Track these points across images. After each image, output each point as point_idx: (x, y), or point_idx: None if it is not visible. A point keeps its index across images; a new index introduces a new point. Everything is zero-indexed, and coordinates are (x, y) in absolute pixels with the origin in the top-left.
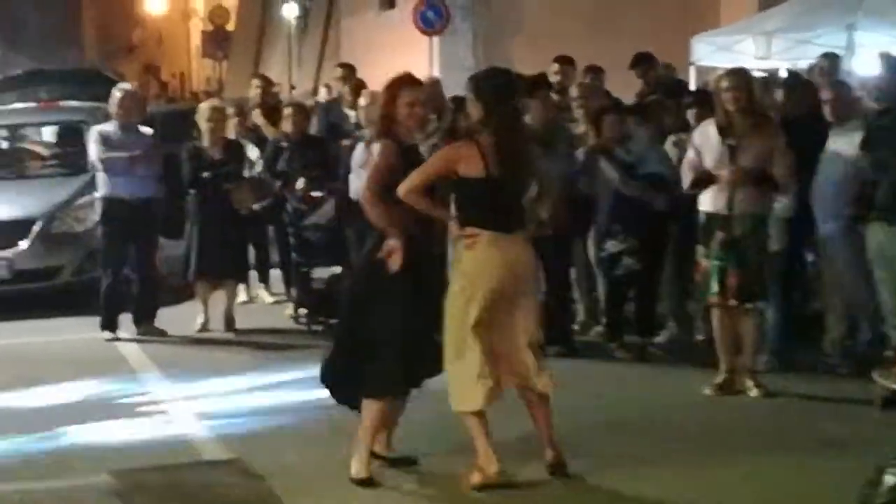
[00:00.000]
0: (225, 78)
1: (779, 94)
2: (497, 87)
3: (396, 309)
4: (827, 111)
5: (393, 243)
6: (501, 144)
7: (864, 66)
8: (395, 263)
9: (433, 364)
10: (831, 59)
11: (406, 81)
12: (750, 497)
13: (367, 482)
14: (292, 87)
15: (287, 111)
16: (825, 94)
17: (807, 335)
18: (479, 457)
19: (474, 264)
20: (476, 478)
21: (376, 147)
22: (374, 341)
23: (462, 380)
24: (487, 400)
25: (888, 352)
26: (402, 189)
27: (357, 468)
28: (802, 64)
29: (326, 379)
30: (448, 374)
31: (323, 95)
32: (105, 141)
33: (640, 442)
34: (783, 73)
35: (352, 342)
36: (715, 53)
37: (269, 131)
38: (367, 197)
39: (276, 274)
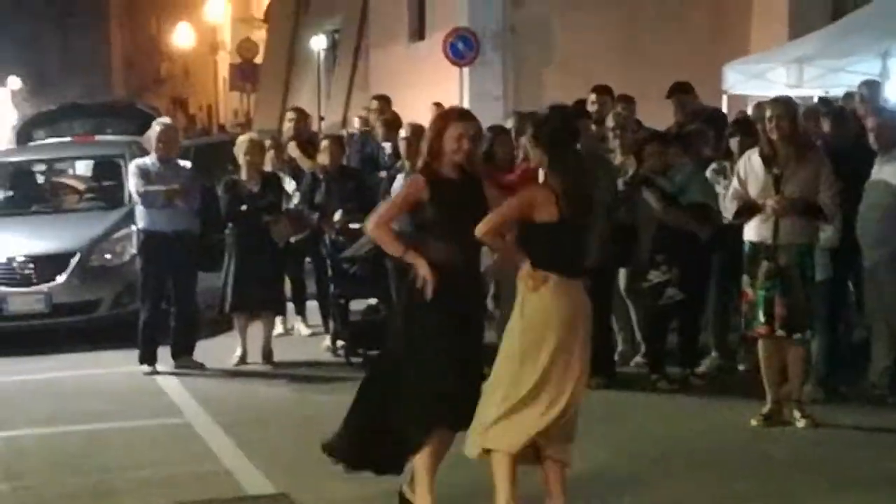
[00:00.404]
0: (253, 110)
1: (825, 123)
2: (557, 131)
3: (443, 342)
4: (872, 139)
5: (421, 269)
6: (572, 190)
7: None
8: (428, 289)
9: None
10: (871, 86)
11: (456, 115)
12: None
13: None
14: (321, 119)
15: (324, 143)
16: (870, 122)
17: (852, 365)
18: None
19: (541, 308)
20: None
21: (406, 180)
22: (424, 377)
23: (505, 419)
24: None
25: None
26: (479, 230)
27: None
28: (835, 91)
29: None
30: (486, 411)
31: (356, 125)
32: (145, 174)
33: (688, 478)
34: (815, 101)
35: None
36: (747, 81)
37: (304, 164)
38: (371, 227)
39: (312, 306)
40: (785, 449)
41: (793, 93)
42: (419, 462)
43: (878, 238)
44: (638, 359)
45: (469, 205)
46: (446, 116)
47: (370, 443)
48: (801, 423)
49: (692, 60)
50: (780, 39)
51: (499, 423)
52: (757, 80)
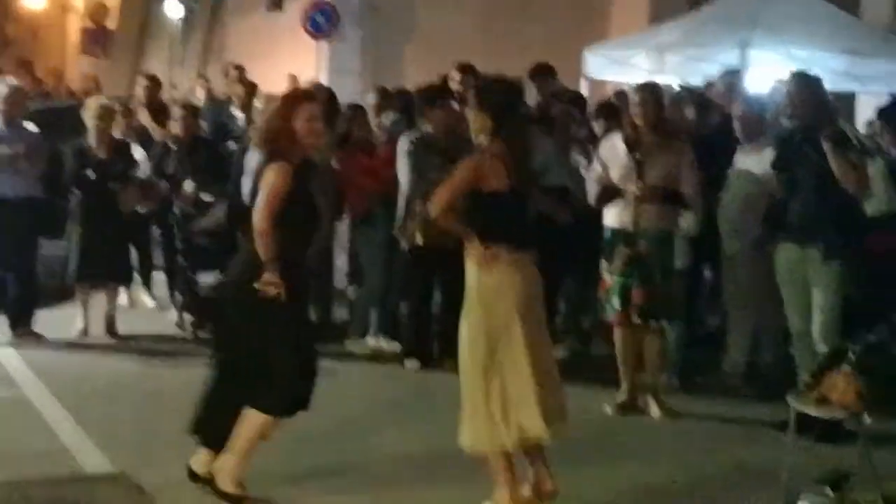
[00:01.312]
0: (104, 76)
1: (689, 111)
2: (506, 97)
3: (288, 332)
4: (737, 128)
5: (272, 278)
6: (518, 157)
7: (758, 83)
8: (280, 294)
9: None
10: (733, 76)
11: (303, 97)
12: None
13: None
14: (173, 87)
15: (177, 112)
16: (735, 112)
17: (707, 355)
18: (497, 495)
19: (498, 288)
20: None
21: (270, 171)
22: (266, 362)
23: (486, 418)
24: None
25: (804, 375)
26: (435, 210)
27: (226, 481)
28: (695, 80)
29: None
30: (467, 408)
31: (200, 94)
32: None
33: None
34: (677, 89)
35: (235, 367)
36: (608, 66)
37: (156, 132)
38: (264, 228)
39: (158, 278)
40: (639, 438)
41: (654, 80)
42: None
43: (738, 227)
44: None
45: (311, 197)
46: (294, 100)
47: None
48: (656, 413)
49: (552, 43)
50: (640, 25)
51: (477, 421)
52: (618, 65)
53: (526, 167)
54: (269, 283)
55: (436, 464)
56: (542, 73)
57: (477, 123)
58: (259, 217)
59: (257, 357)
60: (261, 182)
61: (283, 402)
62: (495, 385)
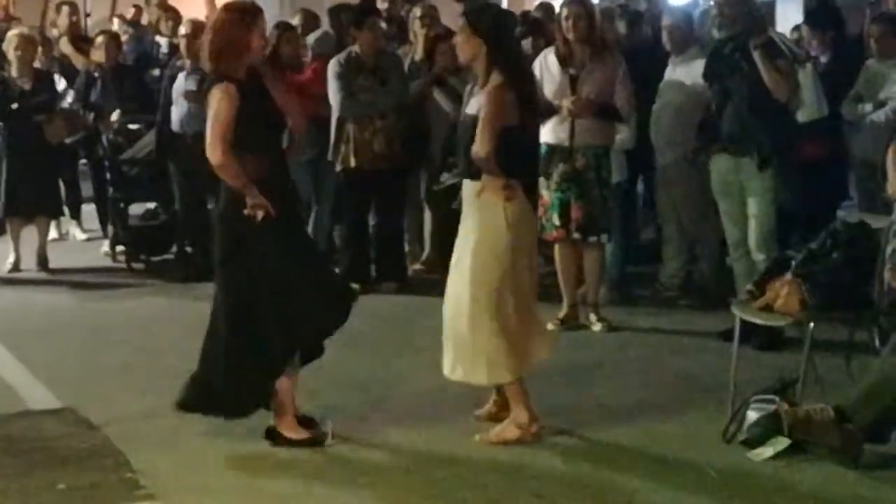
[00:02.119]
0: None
1: (620, 25)
2: (499, 19)
3: (289, 261)
4: (665, 39)
5: (258, 201)
6: (525, 87)
7: None
8: (269, 211)
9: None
10: None
11: (256, 9)
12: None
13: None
14: (87, 15)
15: (99, 39)
16: (664, 23)
17: (642, 268)
18: (517, 415)
19: (524, 217)
20: (511, 433)
21: (213, 96)
22: (277, 302)
23: (503, 348)
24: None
25: (745, 284)
26: (484, 150)
27: (291, 431)
28: None
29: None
30: (480, 342)
31: (116, 26)
32: None
33: None
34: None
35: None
36: None
37: (78, 60)
38: (220, 159)
39: (88, 210)
40: (582, 352)
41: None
42: (283, 389)
43: (670, 139)
44: (417, 265)
45: (271, 108)
46: (251, 11)
47: (226, 385)
48: (597, 327)
49: None
50: None
51: (492, 350)
52: None
53: (533, 97)
54: (255, 206)
55: (374, 391)
56: None
57: (468, 50)
58: (210, 150)
59: (277, 296)
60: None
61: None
62: (508, 310)
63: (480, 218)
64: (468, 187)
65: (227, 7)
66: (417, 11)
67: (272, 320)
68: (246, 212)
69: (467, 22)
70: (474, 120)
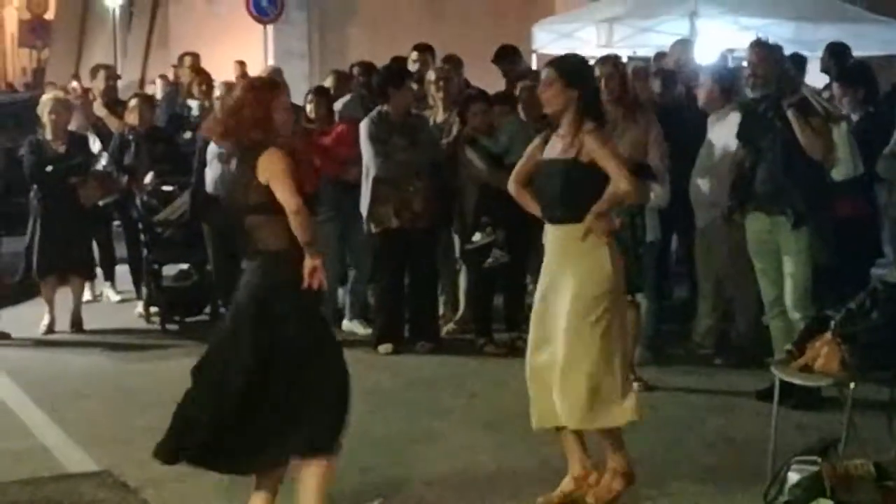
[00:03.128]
0: (46, 69)
1: (655, 83)
2: (589, 72)
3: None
4: (702, 99)
5: (317, 262)
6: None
7: (707, 53)
8: (322, 284)
9: None
10: (684, 46)
11: (277, 85)
12: (651, 492)
13: None
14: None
15: (133, 103)
16: (701, 80)
17: (675, 327)
18: (620, 464)
19: (618, 257)
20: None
21: (271, 158)
22: (322, 391)
23: (613, 392)
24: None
25: (782, 344)
26: (629, 185)
27: None
28: (643, 51)
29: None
30: (593, 390)
31: (159, 87)
32: None
33: (522, 443)
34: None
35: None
36: (556, 41)
37: (113, 123)
38: (300, 205)
39: (121, 271)
40: None
41: (603, 52)
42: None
43: (710, 199)
44: (451, 325)
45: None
46: (271, 87)
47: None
48: (634, 387)
49: (499, 19)
50: (584, 3)
51: (605, 398)
52: (566, 39)
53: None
54: (314, 270)
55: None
56: (508, 55)
57: (561, 101)
58: (290, 198)
59: (311, 376)
60: (245, 172)
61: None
62: (618, 355)
63: (582, 262)
64: (564, 232)
65: (250, 83)
66: (431, 75)
67: None
68: (306, 271)
69: (559, 74)
70: (562, 163)
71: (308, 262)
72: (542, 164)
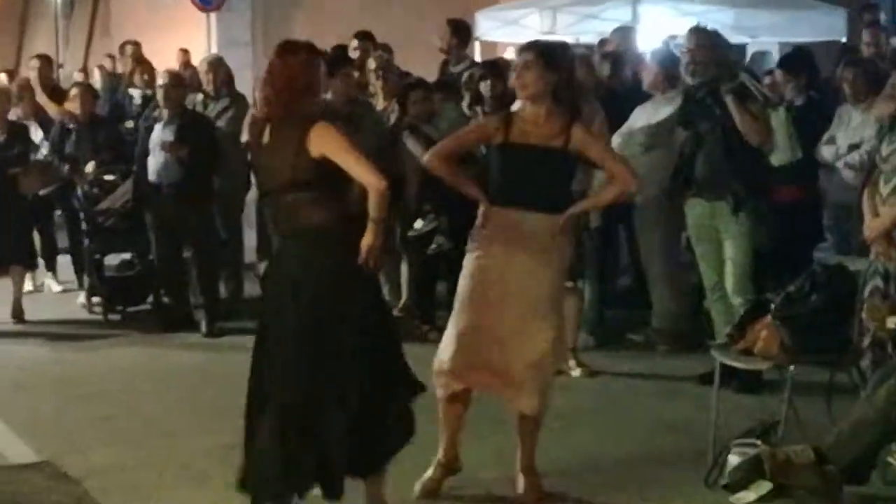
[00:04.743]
0: None
1: (604, 68)
2: (570, 56)
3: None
4: (647, 82)
5: (378, 241)
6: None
7: (648, 40)
8: (372, 261)
9: None
10: (626, 32)
11: (317, 50)
12: (596, 479)
13: None
14: (59, 66)
15: (74, 91)
16: (647, 66)
17: (619, 313)
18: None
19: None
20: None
21: (323, 128)
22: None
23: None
24: None
25: (723, 328)
26: (634, 174)
27: None
28: (587, 38)
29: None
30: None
31: (97, 77)
32: None
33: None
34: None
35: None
36: (500, 28)
37: (52, 111)
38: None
39: (62, 261)
40: (561, 398)
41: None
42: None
43: (646, 183)
44: (395, 312)
45: None
46: (316, 51)
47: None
48: (576, 372)
49: (441, 7)
50: None
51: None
52: (510, 26)
53: None
54: (372, 248)
55: None
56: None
57: (539, 85)
58: (370, 173)
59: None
60: (292, 147)
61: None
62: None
63: (548, 251)
64: (537, 220)
65: (292, 49)
66: (371, 63)
67: None
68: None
69: (539, 56)
70: (549, 151)
71: (368, 239)
72: (518, 148)
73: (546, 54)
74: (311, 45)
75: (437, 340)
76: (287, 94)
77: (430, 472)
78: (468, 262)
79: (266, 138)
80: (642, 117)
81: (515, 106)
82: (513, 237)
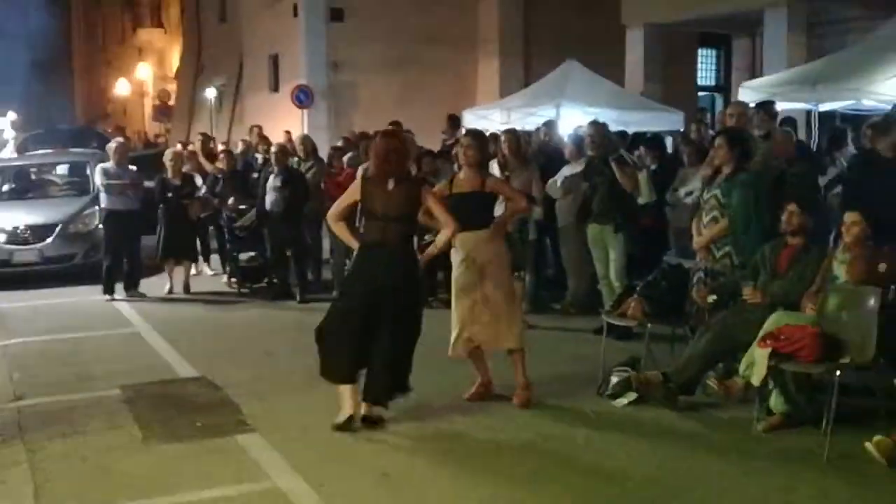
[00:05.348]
0: (168, 135)
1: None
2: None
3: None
4: (568, 154)
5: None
6: None
7: (566, 127)
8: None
9: None
10: (550, 124)
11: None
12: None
13: None
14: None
15: (221, 156)
16: (567, 145)
17: (546, 292)
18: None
19: (507, 252)
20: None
21: (429, 190)
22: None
23: (518, 325)
24: None
25: (609, 302)
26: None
27: None
28: (530, 126)
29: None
30: (517, 318)
31: (240, 146)
32: (106, 173)
33: (439, 372)
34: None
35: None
36: (477, 120)
37: (209, 167)
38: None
39: (214, 257)
40: None
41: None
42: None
43: (567, 213)
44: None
45: None
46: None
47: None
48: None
49: (442, 105)
50: (494, 95)
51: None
52: (483, 120)
53: None
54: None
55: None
56: (452, 121)
57: (476, 157)
58: (448, 216)
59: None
60: (409, 195)
61: None
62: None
63: (491, 251)
64: (479, 234)
65: (394, 134)
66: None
67: None
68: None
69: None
70: (474, 194)
71: (432, 251)
72: (458, 196)
73: (479, 138)
74: (401, 132)
75: (438, 307)
76: (404, 161)
77: (472, 389)
78: (454, 266)
79: (391, 186)
80: (564, 173)
81: (459, 171)
82: (470, 247)
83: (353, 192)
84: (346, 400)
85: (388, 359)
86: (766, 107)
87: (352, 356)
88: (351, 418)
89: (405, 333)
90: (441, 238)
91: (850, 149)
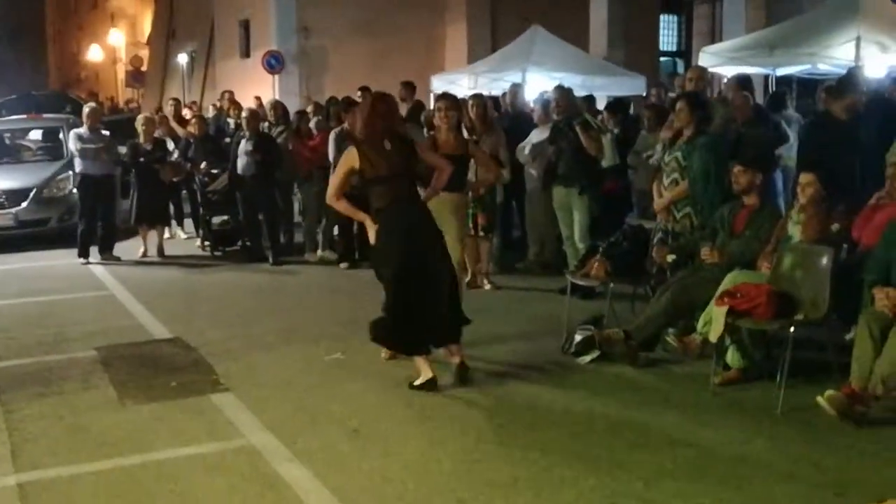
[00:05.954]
0: (142, 100)
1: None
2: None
3: None
4: (535, 117)
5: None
6: None
7: (533, 92)
8: None
9: None
10: (517, 87)
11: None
12: (498, 347)
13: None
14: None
15: (193, 120)
16: (535, 109)
17: (512, 253)
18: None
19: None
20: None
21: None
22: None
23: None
24: None
25: (573, 262)
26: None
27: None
28: (496, 91)
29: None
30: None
31: (211, 111)
32: (80, 138)
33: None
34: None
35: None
36: (445, 85)
37: (180, 132)
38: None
39: (188, 221)
40: (479, 302)
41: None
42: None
43: (534, 177)
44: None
45: None
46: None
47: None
48: (487, 287)
49: (412, 71)
50: (461, 61)
51: None
52: (451, 85)
53: None
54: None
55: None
56: (408, 87)
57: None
58: (444, 162)
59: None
60: (407, 153)
61: None
62: None
63: (457, 211)
64: (450, 195)
65: (383, 97)
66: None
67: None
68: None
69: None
70: (459, 157)
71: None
72: (445, 156)
73: (455, 101)
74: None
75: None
76: (395, 120)
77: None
78: None
79: (388, 146)
80: (532, 140)
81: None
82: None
83: (349, 162)
84: (424, 365)
85: (447, 301)
86: (742, 81)
87: (424, 325)
88: (434, 379)
89: (450, 272)
90: (442, 178)
91: (791, 111)
